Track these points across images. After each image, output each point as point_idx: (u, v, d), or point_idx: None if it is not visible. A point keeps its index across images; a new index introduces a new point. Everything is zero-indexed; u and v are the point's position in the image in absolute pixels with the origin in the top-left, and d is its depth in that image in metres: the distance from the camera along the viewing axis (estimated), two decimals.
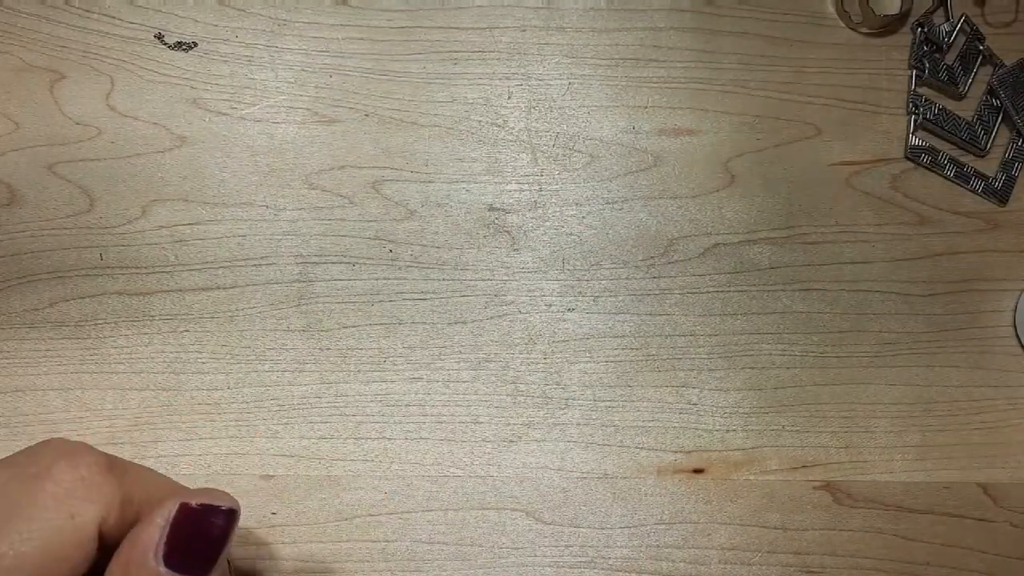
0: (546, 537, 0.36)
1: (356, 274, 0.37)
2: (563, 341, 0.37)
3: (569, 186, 0.38)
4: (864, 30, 0.40)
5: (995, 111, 0.40)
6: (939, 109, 0.39)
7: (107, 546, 0.25)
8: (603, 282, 0.38)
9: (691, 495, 0.37)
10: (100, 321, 0.37)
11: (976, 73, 0.40)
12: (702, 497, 0.37)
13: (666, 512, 0.36)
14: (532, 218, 0.38)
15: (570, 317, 0.38)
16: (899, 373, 0.38)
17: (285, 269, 0.37)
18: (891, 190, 0.39)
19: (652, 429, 0.37)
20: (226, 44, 0.39)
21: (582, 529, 0.36)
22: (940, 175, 0.39)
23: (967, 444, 0.37)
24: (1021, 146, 0.40)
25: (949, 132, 0.39)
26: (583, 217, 0.38)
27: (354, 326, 0.37)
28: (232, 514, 0.26)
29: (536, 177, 0.38)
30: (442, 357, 0.37)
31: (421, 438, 0.37)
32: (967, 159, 0.40)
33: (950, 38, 0.40)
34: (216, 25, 0.39)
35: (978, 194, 0.39)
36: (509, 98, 0.39)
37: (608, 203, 0.38)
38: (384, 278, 0.38)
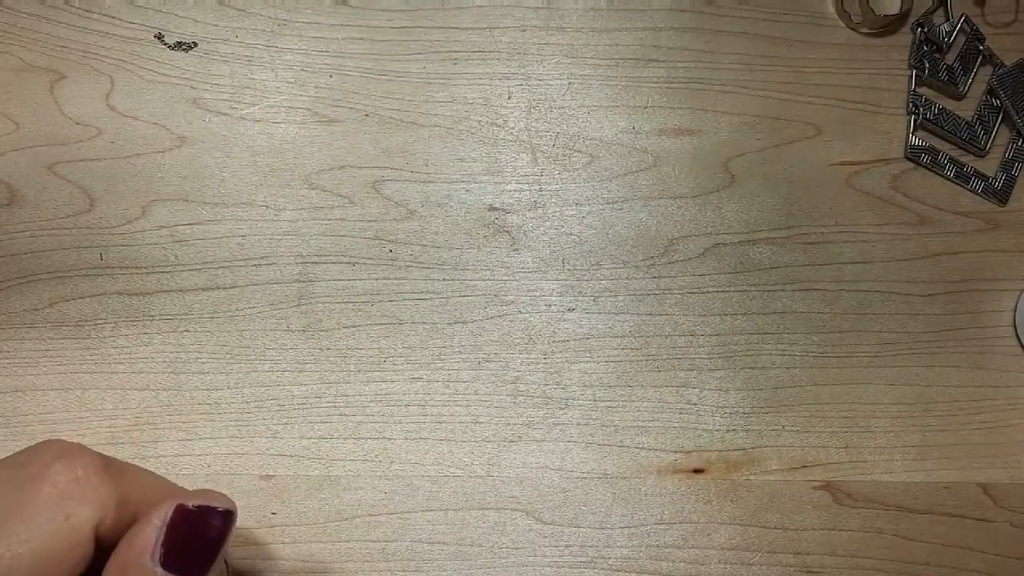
0: (546, 537, 0.36)
1: (356, 274, 0.37)
2: (563, 341, 0.37)
3: (569, 186, 0.38)
4: (864, 30, 0.40)
5: (995, 111, 0.40)
6: (939, 109, 0.39)
7: (104, 547, 0.25)
8: (603, 282, 0.38)
9: (691, 495, 0.37)
10: (100, 321, 0.37)
11: (976, 73, 0.40)
12: (702, 497, 0.37)
13: (666, 512, 0.36)
14: (532, 218, 0.38)
15: (570, 317, 0.38)
16: (899, 373, 0.38)
17: (285, 269, 0.37)
18: (891, 190, 0.39)
19: (652, 429, 0.37)
20: (226, 44, 0.39)
21: (582, 529, 0.36)
22: (940, 175, 0.39)
23: (967, 444, 0.37)
24: (1021, 146, 0.40)
25: (949, 132, 0.39)
26: (583, 217, 0.38)
27: (354, 326, 0.37)
28: (229, 515, 0.26)
29: (536, 177, 0.38)
30: (442, 357, 0.37)
31: (421, 438, 0.37)
32: (967, 159, 0.40)
33: (950, 38, 0.40)
34: (216, 25, 0.39)
35: (978, 194, 0.39)
36: (509, 98, 0.39)
37: (608, 203, 0.38)
38: (384, 278, 0.38)
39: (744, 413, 0.37)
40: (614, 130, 0.39)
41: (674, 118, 0.39)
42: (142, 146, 0.38)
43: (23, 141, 0.38)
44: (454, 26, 0.39)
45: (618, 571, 0.36)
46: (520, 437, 0.37)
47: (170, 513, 0.25)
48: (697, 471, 0.37)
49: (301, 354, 0.37)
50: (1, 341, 0.36)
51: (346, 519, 0.36)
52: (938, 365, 0.38)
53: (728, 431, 0.37)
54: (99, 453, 0.25)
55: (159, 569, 0.24)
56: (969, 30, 0.40)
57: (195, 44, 0.39)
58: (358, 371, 0.37)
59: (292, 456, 0.36)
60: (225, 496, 0.26)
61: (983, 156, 0.40)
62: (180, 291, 0.37)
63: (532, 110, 0.39)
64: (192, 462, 0.36)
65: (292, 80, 0.39)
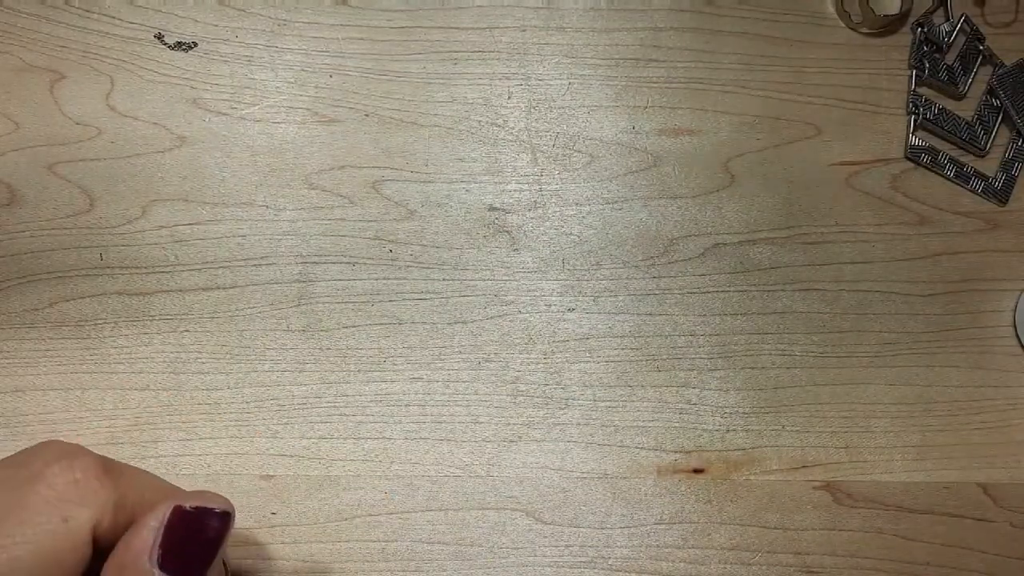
0: (546, 537, 0.36)
1: (356, 274, 0.37)
2: (563, 341, 0.37)
3: (569, 186, 0.38)
4: (864, 30, 0.40)
5: (995, 111, 0.40)
6: (939, 109, 0.39)
7: (101, 549, 0.25)
8: (603, 282, 0.38)
9: (691, 495, 0.37)
10: (100, 321, 0.37)
11: (976, 73, 0.40)
12: (702, 497, 0.37)
13: (666, 512, 0.36)
14: (532, 218, 0.38)
15: (570, 317, 0.38)
16: (899, 373, 0.38)
17: (285, 269, 0.37)
18: (891, 190, 0.39)
19: (652, 429, 0.37)
20: (226, 44, 0.39)
21: (582, 529, 0.36)
22: (940, 175, 0.39)
23: (967, 444, 0.37)
24: (1021, 146, 0.40)
25: (949, 132, 0.39)
26: (583, 217, 0.38)
27: (354, 326, 0.37)
28: (226, 516, 0.26)
29: (536, 177, 0.38)
30: (442, 357, 0.37)
31: (421, 438, 0.37)
32: (967, 159, 0.40)
33: (950, 38, 0.40)
34: (216, 25, 0.39)
35: (978, 194, 0.39)
36: (509, 98, 0.39)
37: (608, 203, 0.38)
38: (384, 278, 0.38)
39: (744, 413, 0.37)
40: (614, 130, 0.39)
41: (674, 118, 0.39)
42: (142, 146, 0.38)
43: (23, 141, 0.38)
44: (454, 26, 0.39)
45: (618, 571, 0.36)
46: (520, 437, 0.37)
47: (168, 514, 0.24)
48: (697, 471, 0.37)
49: (301, 354, 0.37)
50: (1, 341, 0.36)
51: (346, 519, 0.36)
52: (938, 365, 0.38)
53: (728, 431, 0.37)
54: (98, 455, 0.26)
55: (157, 571, 0.24)
56: (969, 30, 0.40)
57: (195, 44, 0.39)
58: (358, 371, 0.37)
59: (292, 456, 0.36)
60: (223, 497, 0.26)
61: (983, 156, 0.40)
62: (180, 291, 0.37)
63: (532, 110, 0.39)
64: (192, 462, 0.36)
65: (292, 80, 0.39)
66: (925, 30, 0.40)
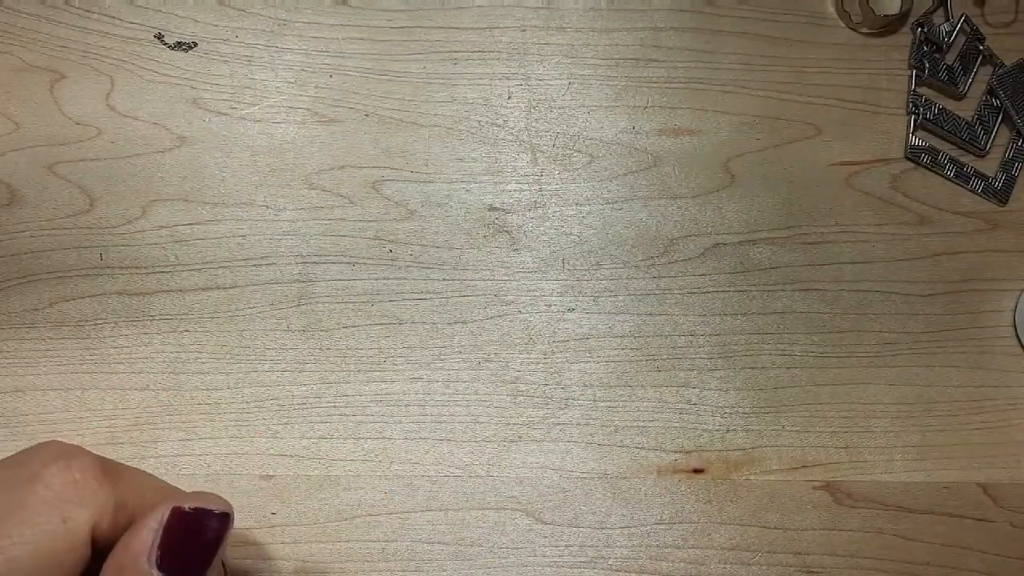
0: (546, 537, 0.36)
1: (356, 274, 0.37)
2: (563, 341, 0.37)
3: (569, 186, 0.38)
4: (864, 30, 0.40)
5: (995, 111, 0.40)
6: (939, 109, 0.39)
7: (100, 550, 0.25)
8: (603, 282, 0.38)
9: (691, 495, 0.37)
10: (100, 321, 0.37)
11: (976, 73, 0.40)
12: (702, 497, 0.37)
13: (666, 512, 0.36)
14: (532, 218, 0.38)
15: (570, 317, 0.38)
16: (899, 373, 0.38)
17: (285, 269, 0.37)
18: (891, 190, 0.39)
19: (652, 429, 0.37)
20: (226, 44, 0.39)
21: (582, 529, 0.36)
22: (940, 175, 0.39)
23: (967, 444, 0.37)
24: (1021, 146, 0.40)
25: (949, 132, 0.39)
26: (583, 217, 0.38)
27: (354, 326, 0.37)
28: (225, 518, 0.26)
29: (536, 177, 0.38)
30: (442, 357, 0.37)
31: (421, 438, 0.37)
32: (967, 159, 0.40)
33: (950, 38, 0.40)
34: (216, 25, 0.39)
35: (978, 194, 0.39)
36: (509, 98, 0.39)
37: (608, 203, 0.38)
38: (384, 278, 0.38)
39: (744, 413, 0.37)
40: (614, 130, 0.39)
41: (674, 118, 0.39)
42: (142, 146, 0.38)
43: (23, 141, 0.38)
44: (454, 26, 0.39)
45: (618, 571, 0.36)
46: (520, 437, 0.37)
47: (166, 515, 0.24)
48: (697, 471, 0.37)
49: (301, 354, 0.37)
50: (1, 341, 0.36)
51: (346, 519, 0.36)
52: (938, 365, 0.38)
53: (728, 431, 0.37)
54: (97, 455, 0.25)
55: (155, 571, 0.24)
56: (969, 30, 0.40)
57: (195, 44, 0.39)
58: (358, 371, 0.37)
59: (292, 456, 0.36)
60: (222, 498, 0.26)
61: (983, 156, 0.40)
62: (180, 291, 0.37)
63: (532, 110, 0.39)
64: (192, 462, 0.36)
65: (292, 80, 0.39)
66: (925, 30, 0.40)
